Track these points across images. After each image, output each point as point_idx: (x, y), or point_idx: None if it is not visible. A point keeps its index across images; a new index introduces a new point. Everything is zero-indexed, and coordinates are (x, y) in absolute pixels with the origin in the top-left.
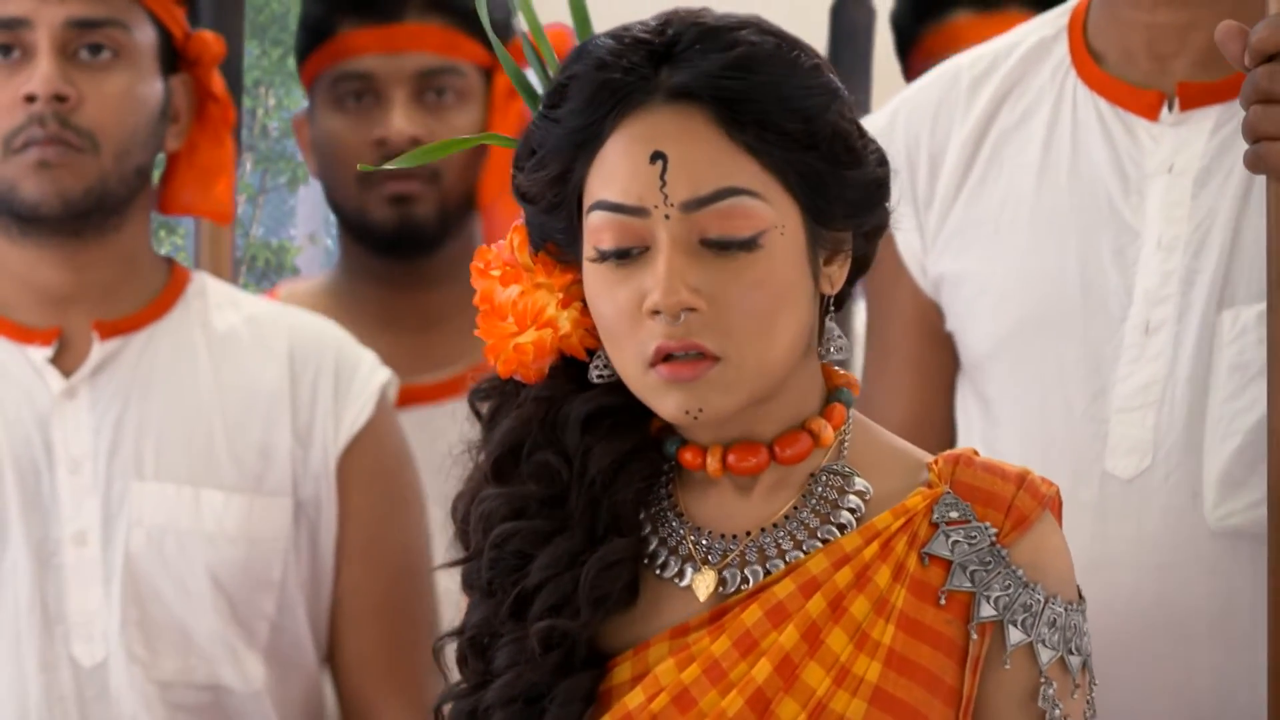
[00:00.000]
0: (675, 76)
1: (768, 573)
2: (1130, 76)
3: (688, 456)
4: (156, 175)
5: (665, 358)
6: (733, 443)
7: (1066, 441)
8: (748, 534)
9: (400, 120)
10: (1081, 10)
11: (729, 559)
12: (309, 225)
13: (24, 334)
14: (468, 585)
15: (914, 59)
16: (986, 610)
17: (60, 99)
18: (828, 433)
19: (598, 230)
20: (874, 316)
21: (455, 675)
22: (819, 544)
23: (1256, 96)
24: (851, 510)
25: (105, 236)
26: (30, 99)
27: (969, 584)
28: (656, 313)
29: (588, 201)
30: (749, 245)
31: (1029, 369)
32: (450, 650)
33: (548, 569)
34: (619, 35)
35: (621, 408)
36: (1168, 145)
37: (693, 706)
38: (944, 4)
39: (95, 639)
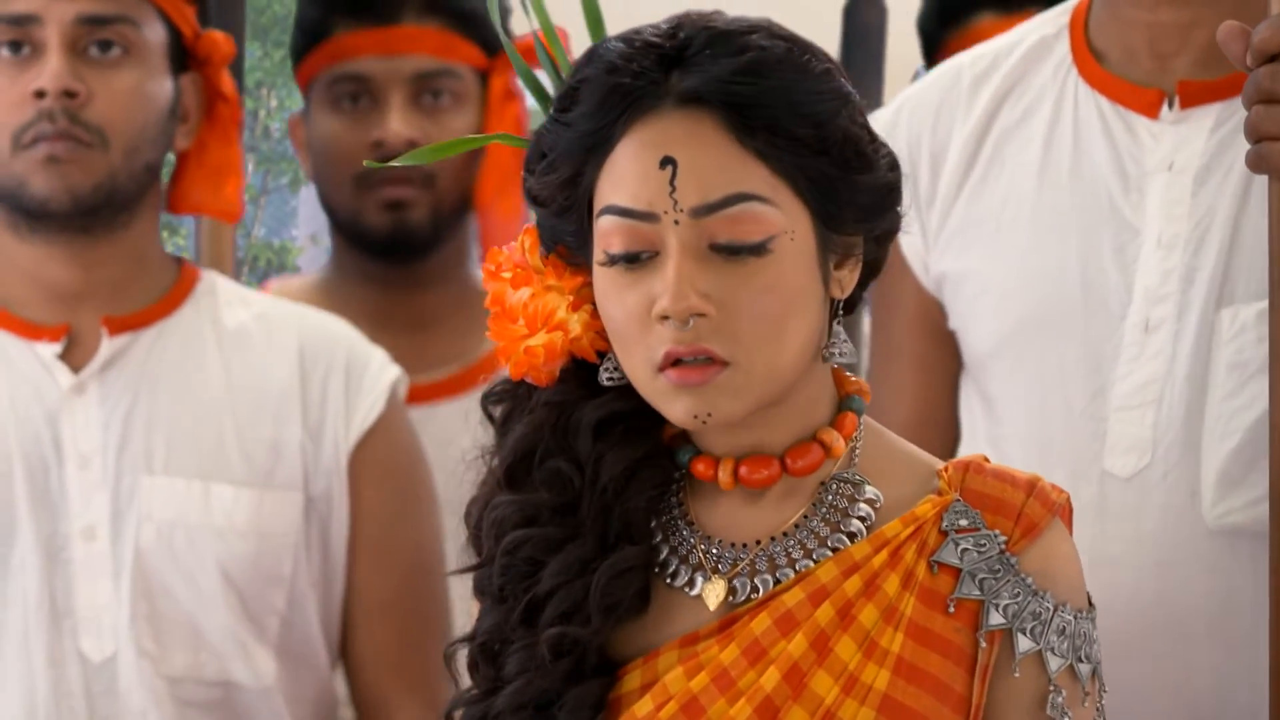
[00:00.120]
0: (685, 81)
1: (778, 581)
2: (1131, 75)
3: (700, 467)
4: (166, 175)
5: (674, 362)
6: (744, 455)
7: (1066, 440)
8: (758, 543)
9: (397, 123)
10: (1083, 9)
11: (739, 568)
12: (310, 226)
13: (33, 330)
14: (480, 591)
15: (940, 62)
16: (995, 618)
17: (70, 95)
18: (839, 444)
19: (607, 234)
20: (878, 315)
21: (466, 681)
22: (829, 553)
23: (1258, 97)
24: (862, 518)
25: (114, 233)
26: (40, 95)
27: (978, 592)
28: (666, 318)
29: (598, 205)
30: (758, 250)
31: (1029, 367)
32: (462, 656)
33: (559, 576)
34: (630, 39)
35: (632, 413)
36: (1168, 143)
37: (701, 715)
38: (968, 7)
39: (104, 634)
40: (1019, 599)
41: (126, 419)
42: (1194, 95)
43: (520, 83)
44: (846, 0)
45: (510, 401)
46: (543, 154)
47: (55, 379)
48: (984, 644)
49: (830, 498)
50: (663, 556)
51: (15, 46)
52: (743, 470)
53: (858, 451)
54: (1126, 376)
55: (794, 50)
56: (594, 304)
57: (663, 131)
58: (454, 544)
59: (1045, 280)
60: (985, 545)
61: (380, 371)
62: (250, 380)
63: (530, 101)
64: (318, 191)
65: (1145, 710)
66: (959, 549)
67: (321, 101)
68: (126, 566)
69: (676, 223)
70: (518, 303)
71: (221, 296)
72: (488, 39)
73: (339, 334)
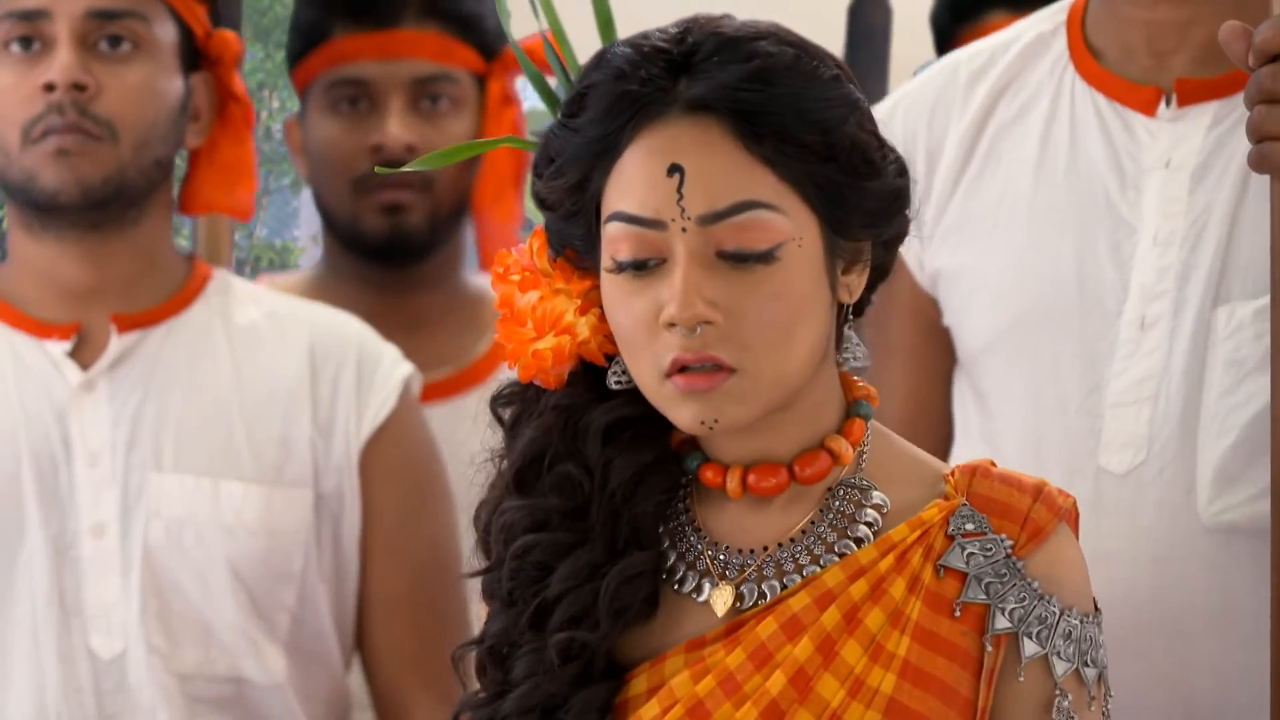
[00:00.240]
0: (693, 88)
1: (784, 588)
2: (1128, 72)
3: (708, 475)
4: (177, 178)
5: (681, 369)
6: (753, 463)
7: (1061, 436)
8: (765, 549)
9: (396, 127)
10: (1080, 6)
11: (746, 574)
12: (312, 226)
13: (43, 329)
14: (488, 595)
15: None
16: (1001, 622)
17: (79, 88)
18: (847, 452)
19: (615, 241)
20: (871, 312)
21: (474, 684)
22: (836, 559)
23: (1260, 97)
24: (869, 524)
25: (125, 230)
26: (49, 88)
27: (984, 596)
28: (673, 325)
29: (605, 211)
30: (766, 258)
31: (1025, 364)
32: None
33: (568, 581)
34: (638, 44)
35: (641, 418)
36: (1165, 141)
37: (707, 719)
38: (979, 4)
39: (113, 631)
40: (1025, 603)
41: (135, 416)
42: (1192, 93)
43: (520, 85)
44: (851, 0)
45: (519, 404)
46: (550, 158)
47: (65, 376)
48: (990, 648)
49: (837, 504)
50: (670, 562)
51: (26, 42)
52: (751, 478)
53: (865, 456)
54: (1122, 373)
55: (802, 57)
56: (602, 307)
57: (670, 139)
58: (465, 542)
59: (1041, 276)
60: (991, 549)
61: (392, 368)
62: (260, 377)
63: (528, 105)
64: (314, 194)
65: (1141, 706)
66: (965, 553)
67: (319, 104)
68: (135, 563)
69: (684, 230)
70: (526, 306)
71: (233, 295)
72: (485, 43)
73: (351, 331)
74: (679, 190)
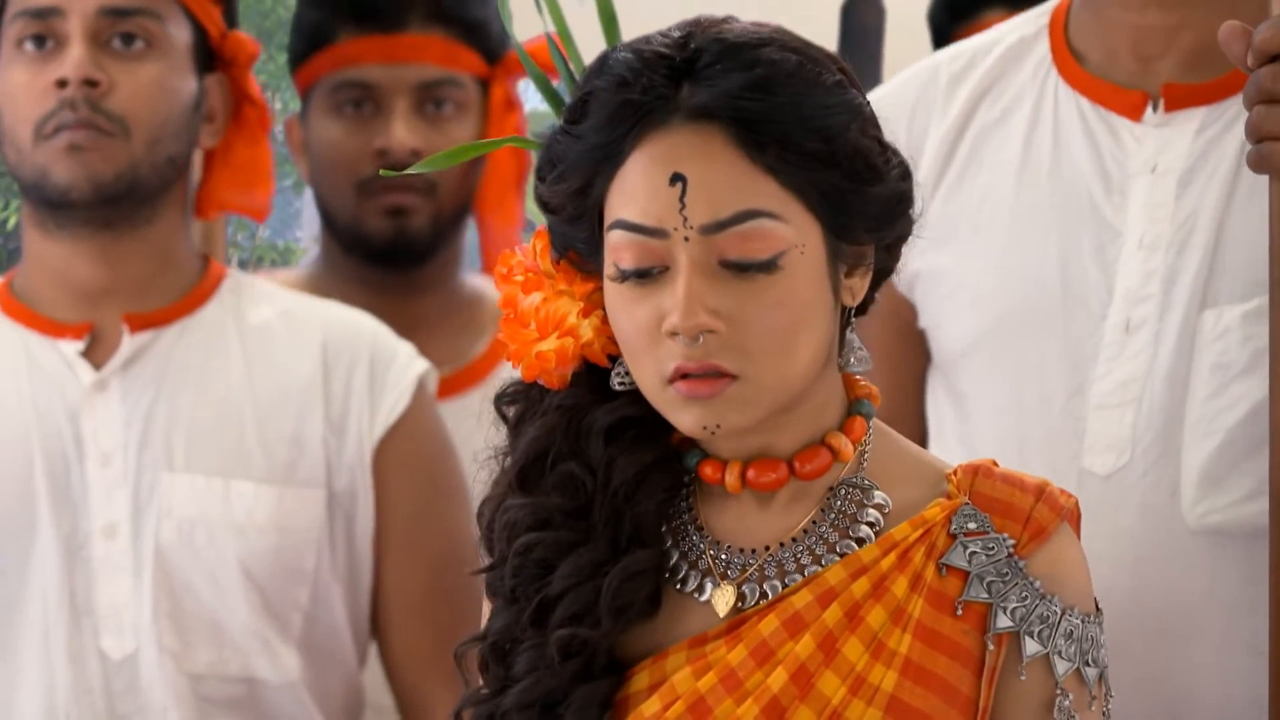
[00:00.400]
0: (696, 96)
1: (786, 587)
2: (1113, 76)
3: (708, 471)
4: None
5: (683, 375)
6: (752, 458)
7: (1044, 438)
8: (767, 548)
9: (401, 131)
10: (1062, 10)
11: (748, 574)
12: (314, 227)
13: (56, 328)
14: (491, 591)
15: None
16: (1003, 621)
17: (91, 84)
18: (847, 448)
19: (617, 249)
20: None
21: (478, 680)
22: (837, 559)
23: (1260, 97)
24: (870, 524)
25: (138, 229)
26: (62, 84)
27: (986, 595)
28: (675, 334)
29: (608, 218)
30: (768, 267)
31: (1007, 365)
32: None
33: (570, 578)
34: (640, 49)
35: (643, 418)
36: (1151, 145)
37: (708, 715)
38: (978, 2)
39: (125, 631)
40: (1027, 602)
41: (147, 416)
42: (1179, 98)
43: (522, 88)
44: (844, 0)
45: (523, 403)
46: (553, 163)
47: (77, 376)
48: (991, 647)
49: (839, 503)
50: (673, 561)
51: (39, 40)
52: (750, 473)
53: (866, 456)
54: (1106, 375)
55: (805, 63)
56: (604, 309)
57: (673, 147)
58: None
59: (1024, 277)
60: (994, 548)
61: (406, 365)
62: (272, 376)
63: (529, 106)
64: (315, 195)
65: (1124, 707)
66: (967, 552)
67: (322, 106)
68: (147, 563)
69: (686, 239)
70: (529, 307)
71: (246, 294)
72: (489, 48)
73: (364, 329)
74: (681, 199)
